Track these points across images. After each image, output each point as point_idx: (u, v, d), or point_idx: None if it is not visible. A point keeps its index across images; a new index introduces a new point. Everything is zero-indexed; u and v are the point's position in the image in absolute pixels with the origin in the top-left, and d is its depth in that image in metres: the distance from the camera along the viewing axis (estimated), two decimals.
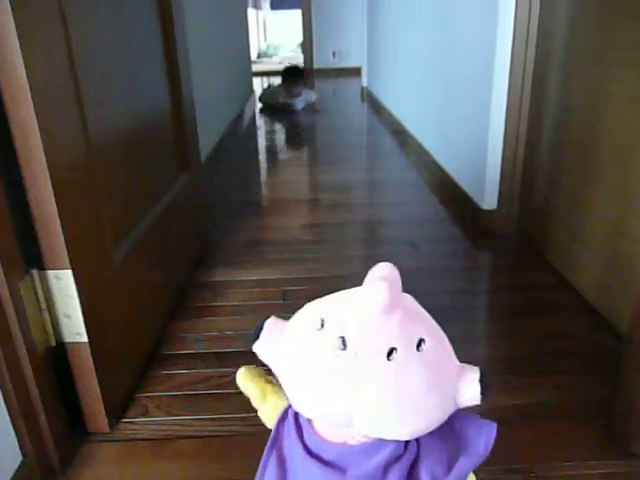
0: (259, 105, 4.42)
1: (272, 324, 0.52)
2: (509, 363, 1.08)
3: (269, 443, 0.55)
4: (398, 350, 0.45)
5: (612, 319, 1.19)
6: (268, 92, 4.39)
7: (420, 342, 0.47)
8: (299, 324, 0.51)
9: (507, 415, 0.94)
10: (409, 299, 0.51)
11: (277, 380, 0.52)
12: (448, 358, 0.50)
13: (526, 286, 1.40)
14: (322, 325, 0.48)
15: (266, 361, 0.52)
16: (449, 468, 0.51)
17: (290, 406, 0.54)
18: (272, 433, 0.56)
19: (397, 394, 0.45)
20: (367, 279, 0.48)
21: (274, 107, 4.18)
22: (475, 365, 0.50)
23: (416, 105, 2.82)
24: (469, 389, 0.48)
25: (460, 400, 0.49)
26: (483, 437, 0.52)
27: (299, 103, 4.15)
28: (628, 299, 1.09)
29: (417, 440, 0.51)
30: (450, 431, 0.52)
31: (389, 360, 0.45)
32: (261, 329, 0.52)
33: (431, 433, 0.49)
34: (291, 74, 4.18)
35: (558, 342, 1.15)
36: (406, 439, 0.48)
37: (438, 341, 0.49)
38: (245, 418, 0.94)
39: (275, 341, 0.51)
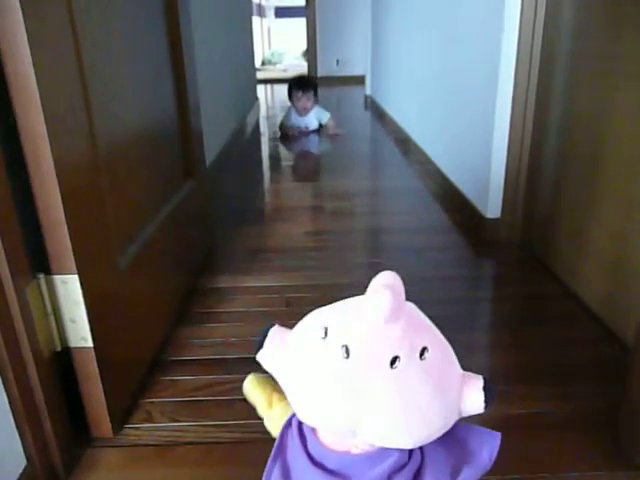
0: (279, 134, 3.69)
1: (275, 332, 0.52)
2: (512, 372, 1.08)
3: (273, 451, 0.55)
4: (401, 358, 0.45)
5: (616, 329, 1.18)
6: (284, 118, 3.68)
7: (423, 350, 0.47)
8: (302, 333, 0.51)
9: (510, 425, 0.93)
10: (412, 307, 0.51)
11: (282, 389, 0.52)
12: (452, 366, 0.50)
13: (530, 295, 1.39)
14: (325, 334, 0.48)
15: (270, 370, 0.52)
16: (453, 478, 0.51)
17: (294, 415, 0.54)
18: (276, 441, 0.56)
19: (400, 403, 0.45)
20: (370, 287, 0.48)
21: (288, 136, 3.56)
22: (478, 374, 0.50)
23: (420, 113, 2.83)
24: (473, 398, 0.48)
25: (464, 409, 0.48)
26: (487, 447, 0.52)
27: (312, 122, 3.58)
28: (633, 309, 1.09)
29: (421, 449, 0.51)
30: (454, 441, 0.52)
31: (392, 369, 0.45)
32: (265, 337, 0.52)
33: (435, 442, 0.49)
34: (299, 85, 3.53)
35: (562, 352, 1.15)
36: (410, 448, 0.48)
37: (441, 349, 0.49)
38: (248, 425, 0.93)
39: (279, 350, 0.51)
